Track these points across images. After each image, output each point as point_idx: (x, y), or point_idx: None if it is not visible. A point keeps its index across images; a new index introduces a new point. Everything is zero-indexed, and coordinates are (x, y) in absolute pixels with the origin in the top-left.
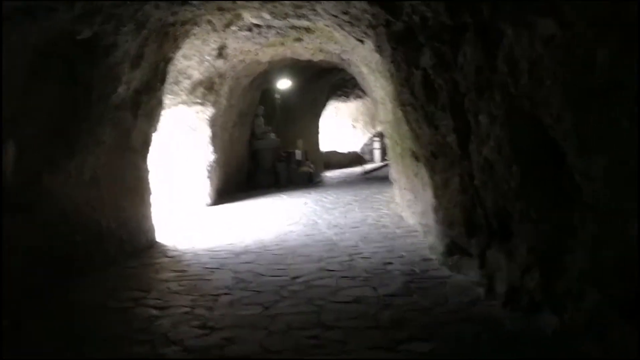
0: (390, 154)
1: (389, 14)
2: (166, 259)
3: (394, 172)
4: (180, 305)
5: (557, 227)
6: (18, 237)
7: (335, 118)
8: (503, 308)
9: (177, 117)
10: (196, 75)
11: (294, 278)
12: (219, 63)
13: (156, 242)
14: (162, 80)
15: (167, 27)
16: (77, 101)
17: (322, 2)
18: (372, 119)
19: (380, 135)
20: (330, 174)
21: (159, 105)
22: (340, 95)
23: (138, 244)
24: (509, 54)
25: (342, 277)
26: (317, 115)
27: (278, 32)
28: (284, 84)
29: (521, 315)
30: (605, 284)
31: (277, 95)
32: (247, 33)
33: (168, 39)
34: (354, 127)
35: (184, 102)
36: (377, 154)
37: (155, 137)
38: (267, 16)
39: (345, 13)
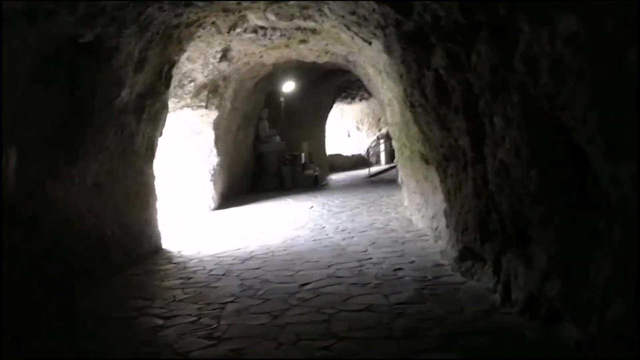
0: (397, 156)
1: (399, 14)
2: (171, 266)
3: (402, 175)
4: (185, 315)
5: (580, 234)
6: (20, 247)
7: (341, 120)
8: (520, 316)
9: (181, 120)
10: (200, 78)
11: (303, 285)
12: (223, 66)
13: (161, 248)
14: (167, 84)
15: (171, 29)
16: (80, 106)
17: (329, 2)
18: (377, 121)
19: (386, 137)
20: (336, 177)
21: (163, 109)
22: (345, 97)
23: (143, 251)
24: (527, 53)
25: (352, 283)
26: (322, 117)
27: (283, 34)
28: (288, 86)
29: (540, 324)
30: (633, 294)
31: (281, 99)
32: (252, 35)
33: (172, 42)
34: (358, 129)
35: (188, 106)
36: (382, 156)
37: (160, 141)
38: (272, 17)
39: (353, 13)
